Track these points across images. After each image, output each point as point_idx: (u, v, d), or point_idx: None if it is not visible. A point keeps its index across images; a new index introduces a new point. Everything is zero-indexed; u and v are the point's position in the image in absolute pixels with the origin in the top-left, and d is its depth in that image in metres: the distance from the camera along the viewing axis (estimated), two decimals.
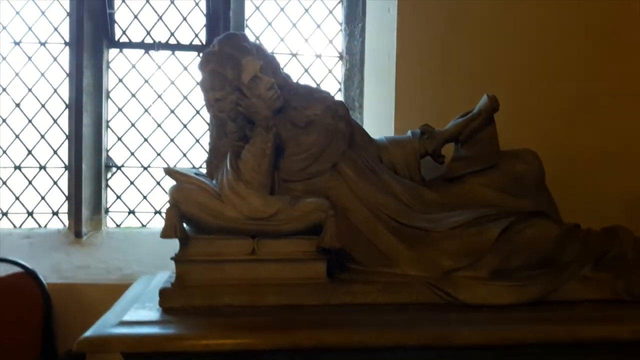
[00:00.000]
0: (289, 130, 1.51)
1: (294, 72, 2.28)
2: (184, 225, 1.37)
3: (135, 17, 2.32)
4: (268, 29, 2.33)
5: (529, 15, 1.94)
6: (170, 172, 1.47)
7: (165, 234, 1.37)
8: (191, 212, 1.37)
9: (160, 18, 2.32)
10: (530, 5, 1.95)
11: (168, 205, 1.37)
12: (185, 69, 2.32)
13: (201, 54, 1.60)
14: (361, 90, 2.26)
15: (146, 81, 2.32)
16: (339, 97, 2.31)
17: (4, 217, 2.32)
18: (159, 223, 2.30)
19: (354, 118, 1.93)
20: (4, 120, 2.32)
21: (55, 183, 2.31)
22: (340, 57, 2.34)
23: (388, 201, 1.45)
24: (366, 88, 2.24)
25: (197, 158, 2.32)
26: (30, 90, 2.33)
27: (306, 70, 2.34)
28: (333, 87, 2.33)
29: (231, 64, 1.46)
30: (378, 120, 2.07)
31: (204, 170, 1.57)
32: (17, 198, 2.32)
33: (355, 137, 1.56)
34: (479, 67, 1.90)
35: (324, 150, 1.49)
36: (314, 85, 2.28)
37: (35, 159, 2.32)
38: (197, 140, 2.32)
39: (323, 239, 1.32)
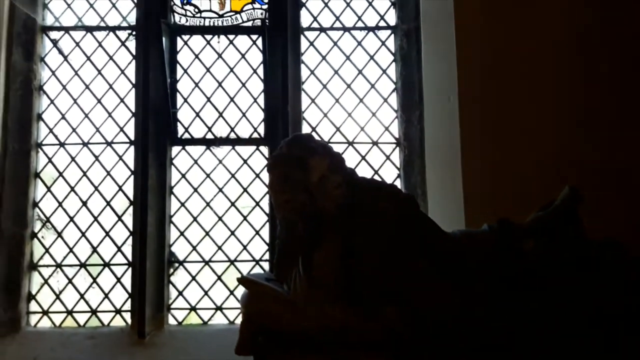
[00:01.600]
0: (358, 227, 1.48)
1: (351, 160, 2.30)
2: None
3: (197, 114, 2.44)
4: (324, 120, 2.38)
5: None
6: (243, 282, 1.45)
7: (240, 350, 1.34)
8: (266, 325, 1.34)
9: (221, 115, 2.42)
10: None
11: (242, 317, 1.35)
12: (245, 162, 2.39)
13: (269, 157, 1.63)
14: (423, 177, 2.25)
15: (207, 176, 2.39)
16: (399, 183, 2.30)
17: (69, 315, 2.35)
18: (220, 319, 2.27)
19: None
20: (71, 219, 2.41)
21: (118, 280, 2.36)
22: (398, 144, 2.36)
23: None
24: (428, 175, 2.22)
25: (257, 250, 2.32)
26: (96, 188, 2.43)
27: (363, 158, 2.36)
28: (392, 174, 2.33)
29: (299, 165, 1.47)
30: (445, 209, 2.03)
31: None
32: (82, 296, 2.36)
33: (426, 232, 1.52)
34: (550, 156, 1.85)
35: (395, 247, 1.45)
36: (374, 175, 2.30)
37: (100, 256, 2.38)
38: (257, 232, 2.33)
39: None
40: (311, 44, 2.43)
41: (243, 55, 2.45)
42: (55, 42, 2.58)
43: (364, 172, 2.29)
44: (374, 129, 2.36)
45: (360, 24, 2.44)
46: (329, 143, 2.34)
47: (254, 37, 2.45)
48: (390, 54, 2.43)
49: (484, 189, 1.89)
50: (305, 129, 2.35)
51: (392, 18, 2.45)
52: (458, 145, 1.95)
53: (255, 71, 2.43)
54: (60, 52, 2.58)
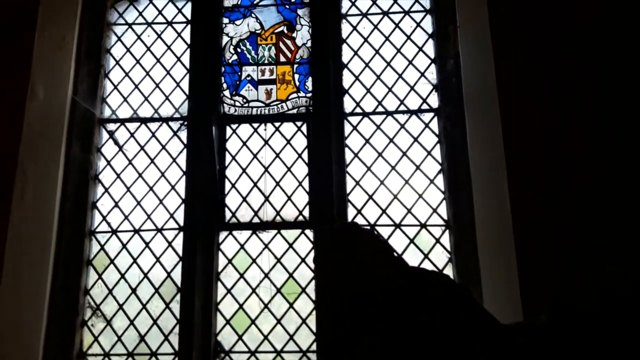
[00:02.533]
0: (408, 320, 1.44)
1: (399, 243, 2.27)
2: None
3: (244, 199, 2.50)
4: (369, 202, 2.39)
5: None
6: None
7: None
8: None
9: (267, 199, 2.47)
10: None
11: None
12: (291, 246, 2.39)
13: (315, 246, 1.63)
14: (475, 262, 2.18)
15: (254, 260, 2.41)
16: (450, 267, 2.23)
17: None
18: None
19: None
20: (120, 307, 2.45)
21: None
22: (447, 226, 2.32)
23: None
24: (481, 259, 2.15)
25: (304, 340, 2.27)
26: (145, 275, 2.47)
27: (412, 241, 2.32)
28: (442, 258, 2.28)
29: (346, 254, 1.48)
30: (500, 296, 1.94)
31: None
32: None
33: (481, 323, 1.45)
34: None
35: (449, 341, 1.38)
36: (424, 259, 2.25)
37: (148, 346, 2.38)
38: (304, 320, 2.29)
39: None
40: (354, 128, 2.50)
41: (288, 141, 2.53)
42: (111, 134, 2.77)
43: (412, 255, 2.25)
44: (422, 211, 2.34)
45: (402, 108, 2.51)
46: (376, 226, 2.34)
47: (299, 123, 2.54)
48: (434, 135, 2.46)
49: (542, 273, 1.81)
50: (351, 212, 2.36)
51: (434, 101, 2.51)
52: (510, 227, 1.90)
53: (300, 156, 2.50)
54: (116, 142, 2.76)
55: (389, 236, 2.31)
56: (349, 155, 2.46)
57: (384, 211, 2.37)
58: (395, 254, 1.55)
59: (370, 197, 2.40)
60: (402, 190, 2.38)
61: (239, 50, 2.72)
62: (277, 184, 2.49)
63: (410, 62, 2.57)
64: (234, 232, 2.48)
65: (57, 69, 2.61)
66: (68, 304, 2.46)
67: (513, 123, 1.99)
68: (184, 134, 2.66)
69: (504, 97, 2.03)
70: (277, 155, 2.53)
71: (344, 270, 1.46)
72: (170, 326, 2.38)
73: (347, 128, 2.50)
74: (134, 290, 2.47)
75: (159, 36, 2.81)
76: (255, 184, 2.52)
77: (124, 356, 2.39)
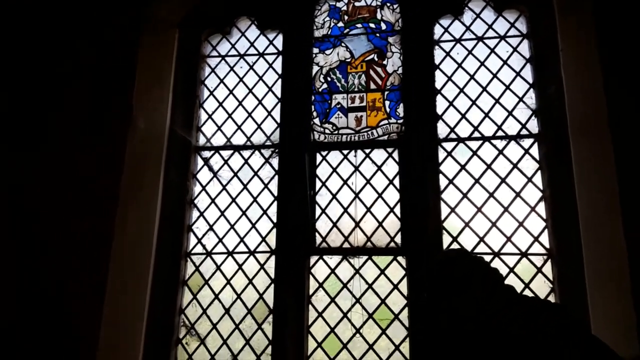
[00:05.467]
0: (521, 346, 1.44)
1: None
2: None
3: (334, 225, 2.60)
4: (466, 230, 2.40)
5: None
6: None
7: None
8: None
9: (357, 225, 2.56)
10: None
11: None
12: (382, 272, 2.44)
13: (428, 271, 1.67)
14: (581, 294, 2.12)
15: (344, 285, 2.48)
16: (551, 299, 2.20)
17: None
18: None
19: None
20: (214, 326, 2.59)
21: None
22: (550, 256, 2.28)
23: None
24: (590, 293, 2.08)
25: None
26: (239, 296, 2.61)
27: (511, 270, 2.30)
28: (544, 289, 2.24)
29: (460, 282, 1.51)
30: (609, 334, 1.86)
31: None
32: None
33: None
34: None
35: None
36: (524, 289, 2.22)
37: None
38: (397, 347, 2.31)
39: None
40: (449, 154, 2.54)
41: (379, 167, 2.62)
42: (206, 161, 2.98)
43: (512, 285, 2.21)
44: (522, 240, 2.32)
45: (500, 133, 2.52)
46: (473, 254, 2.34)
47: (390, 149, 2.62)
48: (535, 161, 2.45)
49: None
50: (446, 239, 2.38)
51: (534, 126, 2.51)
52: (625, 260, 1.84)
53: (391, 182, 2.58)
54: (211, 169, 2.97)
55: None
56: (443, 182, 2.50)
57: (481, 239, 2.38)
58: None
59: (467, 224, 2.41)
60: (500, 217, 2.37)
61: (329, 78, 2.87)
62: (368, 210, 2.57)
63: (508, 87, 2.60)
64: (325, 257, 2.57)
65: (156, 100, 2.88)
66: (164, 323, 2.63)
67: (626, 149, 1.95)
68: (275, 161, 2.82)
69: (615, 122, 2.00)
70: (368, 182, 2.62)
71: (458, 297, 1.49)
72: (263, 346, 2.49)
73: (441, 154, 2.55)
74: (227, 311, 2.61)
75: (251, 67, 3.03)
76: (345, 210, 2.61)
77: None
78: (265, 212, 2.74)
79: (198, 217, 2.86)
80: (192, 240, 2.84)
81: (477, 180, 2.48)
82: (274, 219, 2.69)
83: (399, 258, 2.46)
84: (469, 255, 1.64)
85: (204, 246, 2.79)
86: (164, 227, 2.77)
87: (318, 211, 2.66)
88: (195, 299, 2.70)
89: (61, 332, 2.26)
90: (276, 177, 2.76)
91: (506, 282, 2.20)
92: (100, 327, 2.27)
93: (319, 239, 2.61)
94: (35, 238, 2.48)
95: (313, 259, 2.60)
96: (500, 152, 2.51)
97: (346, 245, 2.56)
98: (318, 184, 2.70)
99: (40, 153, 2.61)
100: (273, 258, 2.61)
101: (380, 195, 2.58)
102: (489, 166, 2.49)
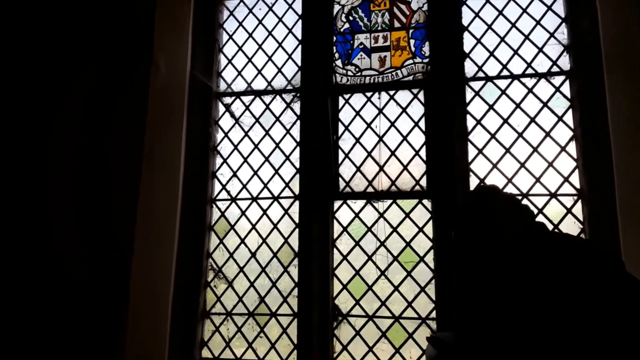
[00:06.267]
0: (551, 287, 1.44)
1: None
2: None
3: (358, 169, 2.60)
4: (494, 172, 2.37)
5: None
6: (432, 340, 1.48)
7: None
8: None
9: (382, 168, 2.55)
10: None
11: None
12: (407, 215, 2.45)
13: (456, 210, 1.66)
14: (614, 235, 2.10)
15: (369, 229, 2.51)
16: None
17: None
18: None
19: None
20: (240, 269, 2.67)
21: (284, 331, 2.51)
22: (580, 196, 2.25)
23: None
24: (623, 232, 2.06)
25: (423, 307, 2.33)
26: (264, 240, 2.69)
27: (540, 211, 2.28)
28: (573, 229, 2.23)
29: (488, 219, 1.50)
30: None
31: None
32: (250, 345, 2.56)
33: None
34: None
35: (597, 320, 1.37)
36: (553, 230, 2.19)
37: (267, 306, 2.57)
38: (422, 289, 2.35)
39: None
40: (477, 93, 2.48)
41: (404, 110, 2.58)
42: (227, 107, 2.98)
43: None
44: (552, 180, 2.28)
45: (530, 71, 2.45)
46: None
47: (415, 90, 2.57)
48: (566, 100, 2.37)
49: None
50: (473, 181, 2.36)
51: (565, 62, 2.42)
52: None
53: (416, 124, 2.54)
54: (232, 115, 2.96)
55: None
56: (470, 122, 2.46)
57: (509, 180, 2.35)
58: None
59: (495, 165, 2.38)
60: (529, 158, 2.34)
61: (350, 18, 2.78)
62: (392, 153, 2.55)
63: (538, 22, 2.49)
64: (348, 201, 2.58)
65: (176, 45, 2.85)
66: (193, 267, 2.71)
67: None
68: (297, 106, 2.79)
69: None
70: (392, 124, 2.59)
71: (485, 235, 1.49)
72: (289, 289, 2.55)
73: (469, 94, 2.49)
74: (253, 254, 2.67)
75: (270, 8, 2.96)
76: (369, 154, 2.59)
77: (244, 316, 2.61)
78: (287, 157, 2.75)
79: (222, 164, 2.89)
80: (217, 187, 2.88)
81: (505, 120, 2.42)
82: (297, 165, 2.70)
83: (425, 201, 2.46)
84: (500, 191, 1.62)
85: (228, 192, 2.83)
86: (188, 174, 2.81)
87: (341, 156, 2.65)
88: (222, 243, 2.77)
89: (96, 280, 2.35)
90: (298, 122, 2.75)
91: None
92: (131, 271, 2.34)
93: (342, 184, 2.62)
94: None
95: (337, 203, 2.61)
96: (530, 90, 2.43)
97: (370, 189, 2.56)
98: (341, 128, 2.68)
99: (64, 107, 2.63)
100: (297, 203, 2.64)
101: (405, 138, 2.55)
102: (518, 105, 2.43)
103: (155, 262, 2.54)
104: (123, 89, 2.59)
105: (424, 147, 2.50)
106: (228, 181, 2.85)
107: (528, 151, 2.35)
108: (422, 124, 2.54)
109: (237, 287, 2.68)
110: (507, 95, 2.45)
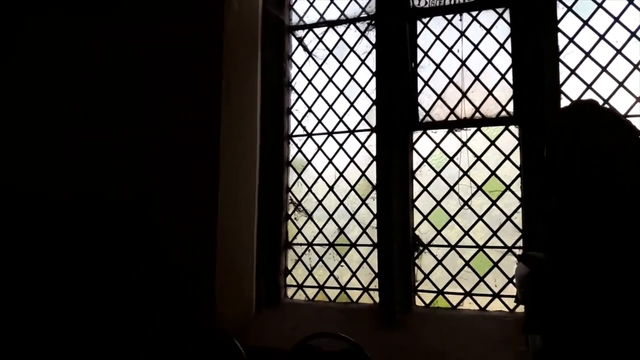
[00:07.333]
0: None
1: None
2: None
3: (439, 97, 2.53)
4: (588, 93, 2.24)
5: None
6: (524, 258, 1.48)
7: (526, 329, 1.36)
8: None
9: (464, 95, 2.47)
10: None
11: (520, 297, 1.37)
12: (493, 143, 2.38)
13: (549, 128, 1.59)
14: None
15: (451, 159, 2.46)
16: None
17: (321, 290, 2.68)
18: (468, 305, 2.33)
19: None
20: (319, 203, 2.75)
21: (364, 260, 2.58)
22: None
23: None
24: None
25: (510, 237, 2.30)
26: (341, 174, 2.71)
27: None
28: None
29: (590, 135, 1.45)
30: None
31: None
32: (332, 273, 2.66)
33: None
34: None
35: None
36: None
37: (347, 237, 2.65)
38: (508, 218, 2.31)
39: None
40: (569, 9, 2.32)
41: (488, 31, 2.46)
42: (300, 40, 2.97)
43: None
44: None
45: None
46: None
47: (500, 10, 2.43)
48: None
49: None
50: (564, 104, 2.24)
51: None
52: None
53: (502, 46, 2.42)
54: (305, 49, 2.96)
55: None
56: (562, 41, 2.31)
57: (605, 101, 2.21)
58: None
59: (589, 86, 2.25)
60: (629, 76, 2.17)
61: None
62: (476, 78, 2.47)
63: None
64: (428, 131, 2.54)
65: None
66: (273, 200, 2.82)
67: None
68: (372, 34, 2.74)
69: None
70: (476, 47, 2.48)
71: (589, 152, 1.43)
72: (368, 220, 2.61)
73: (560, 10, 2.32)
74: (331, 188, 2.73)
75: None
76: (450, 80, 2.52)
77: (325, 246, 2.72)
78: (363, 89, 2.73)
79: (296, 100, 2.93)
80: (293, 123, 2.93)
81: (602, 37, 2.24)
82: (373, 96, 2.68)
83: (511, 127, 2.37)
84: (600, 105, 1.53)
85: (304, 128, 2.89)
86: (265, 110, 2.88)
87: (420, 84, 2.60)
88: (300, 178, 2.85)
89: (184, 216, 2.50)
90: (374, 51, 2.70)
91: None
92: (218, 205, 2.47)
93: (422, 114, 2.58)
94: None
95: (416, 134, 2.59)
96: (631, 2, 2.22)
97: (452, 117, 2.51)
98: (419, 55, 2.61)
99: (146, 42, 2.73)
100: (374, 136, 2.64)
101: (489, 61, 2.45)
102: (616, 19, 2.23)
103: (239, 197, 2.66)
104: (197, 28, 2.64)
105: (511, 70, 2.39)
106: (303, 117, 2.89)
107: (628, 69, 2.19)
108: (508, 45, 2.41)
109: (317, 219, 2.78)
110: (604, 9, 2.25)
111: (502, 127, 2.39)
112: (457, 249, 2.41)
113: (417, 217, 2.53)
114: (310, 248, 2.77)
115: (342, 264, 2.67)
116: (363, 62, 2.75)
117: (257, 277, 2.70)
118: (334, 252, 2.71)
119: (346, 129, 2.76)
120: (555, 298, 1.36)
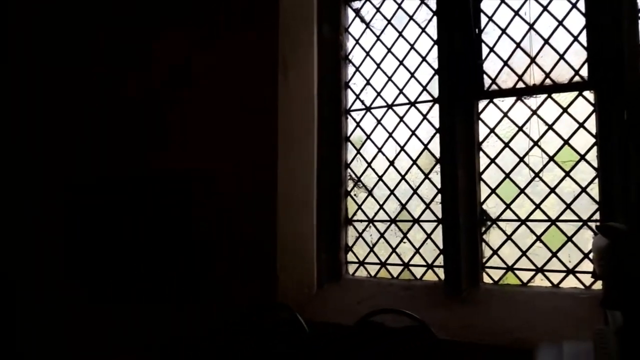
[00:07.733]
0: None
1: None
2: None
3: (505, 63, 2.40)
4: None
5: None
6: (603, 229, 1.37)
7: (606, 304, 1.27)
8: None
9: (533, 60, 2.34)
10: None
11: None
12: (565, 110, 2.24)
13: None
14: None
15: (520, 129, 2.34)
16: None
17: (383, 267, 2.65)
18: (540, 282, 2.23)
19: None
20: (380, 178, 2.70)
21: (428, 236, 2.53)
22: None
23: None
24: None
25: (585, 210, 2.17)
26: (402, 148, 2.65)
27: None
28: None
29: None
30: None
31: None
32: (394, 250, 2.63)
33: None
34: None
35: None
36: None
37: (409, 213, 2.59)
38: (584, 189, 2.18)
39: None
40: None
41: None
42: (357, 12, 2.91)
43: None
44: None
45: None
46: None
47: None
48: None
49: None
50: None
51: None
52: None
53: (574, 5, 2.27)
54: (362, 20, 2.90)
55: None
56: None
57: None
58: None
59: None
60: None
61: None
62: (546, 41, 2.31)
63: None
64: (495, 100, 2.43)
65: None
66: (332, 176, 2.81)
67: None
68: (432, 1, 2.63)
69: None
70: (545, 9, 2.33)
71: None
72: (431, 195, 2.54)
73: None
74: (391, 163, 2.68)
75: None
76: (518, 45, 2.38)
77: (386, 222, 2.68)
78: (424, 58, 2.64)
79: (354, 73, 2.89)
80: (351, 97, 2.89)
81: None
82: (435, 65, 2.58)
83: (586, 93, 2.22)
84: None
85: (362, 102, 2.84)
86: (322, 85, 2.86)
87: (485, 50, 2.47)
88: (359, 153, 2.82)
89: (245, 191, 2.56)
90: (434, 18, 2.59)
91: None
92: (277, 180, 2.49)
93: (487, 82, 2.46)
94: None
95: (482, 103, 2.47)
96: None
97: (520, 84, 2.37)
98: (484, 20, 2.48)
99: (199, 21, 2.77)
100: (436, 107, 2.55)
101: (560, 22, 2.28)
102: None
103: (298, 174, 2.67)
104: (253, 2, 2.64)
105: (584, 32, 2.22)
106: (362, 90, 2.85)
107: None
108: (580, 4, 2.24)
109: (377, 195, 2.74)
110: None
111: (575, 93, 2.23)
112: (528, 223, 2.30)
113: (484, 191, 2.43)
114: (371, 224, 2.74)
115: (405, 240, 2.63)
116: (423, 30, 2.65)
117: (317, 253, 2.71)
118: (396, 228, 2.66)
119: (407, 101, 2.68)
120: (638, 271, 1.27)
